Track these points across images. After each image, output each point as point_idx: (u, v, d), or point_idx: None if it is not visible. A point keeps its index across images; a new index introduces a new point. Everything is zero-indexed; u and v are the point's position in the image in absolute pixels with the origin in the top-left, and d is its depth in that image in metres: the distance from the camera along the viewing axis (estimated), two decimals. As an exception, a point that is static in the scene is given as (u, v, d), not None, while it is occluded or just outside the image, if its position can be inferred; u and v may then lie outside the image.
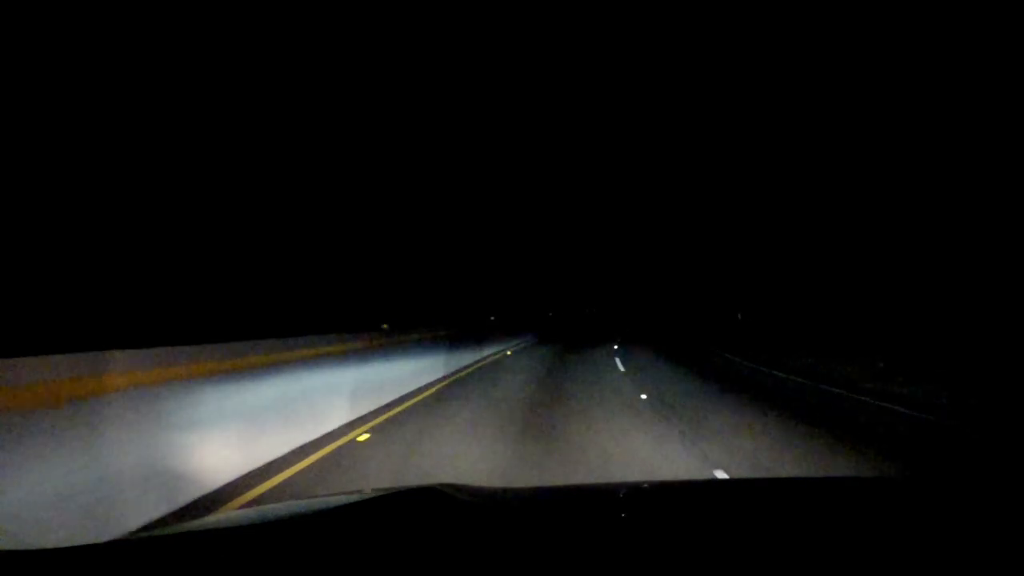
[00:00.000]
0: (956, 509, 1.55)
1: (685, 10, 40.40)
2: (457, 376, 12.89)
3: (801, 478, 4.45)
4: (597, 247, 71.92)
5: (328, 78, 19.38)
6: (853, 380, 12.36)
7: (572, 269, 68.69)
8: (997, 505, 1.58)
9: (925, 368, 12.74)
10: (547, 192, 55.81)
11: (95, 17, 10.86)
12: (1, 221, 8.87)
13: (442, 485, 1.69)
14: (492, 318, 25.13)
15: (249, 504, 4.41)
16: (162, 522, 3.92)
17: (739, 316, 36.01)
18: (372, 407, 8.40)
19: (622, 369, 14.81)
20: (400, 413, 8.30)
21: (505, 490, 1.87)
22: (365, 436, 6.76)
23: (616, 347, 23.47)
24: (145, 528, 3.73)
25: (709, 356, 20.08)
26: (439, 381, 11.83)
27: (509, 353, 19.62)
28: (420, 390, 10.47)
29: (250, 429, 5.58)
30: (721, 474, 5.20)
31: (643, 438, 6.69)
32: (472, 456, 5.84)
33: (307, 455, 5.84)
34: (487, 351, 18.74)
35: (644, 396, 9.92)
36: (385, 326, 11.40)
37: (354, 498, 1.66)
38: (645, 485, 2.55)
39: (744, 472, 5.28)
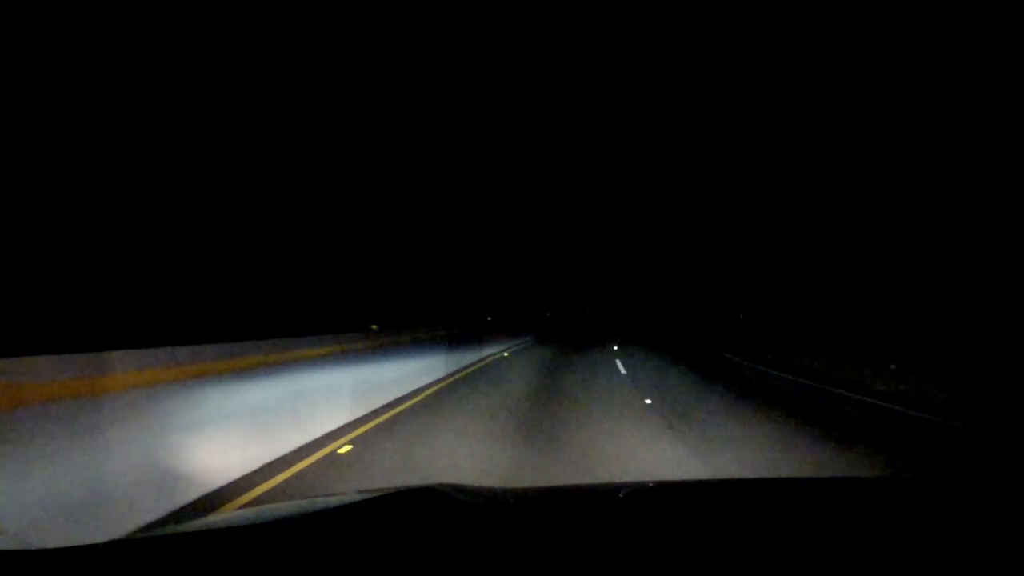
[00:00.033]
0: (957, 509, 1.55)
1: (685, 10, 40.40)
2: (457, 377, 12.88)
3: (801, 478, 4.44)
4: (597, 247, 71.96)
5: (327, 82, 19.38)
6: (868, 385, 11.68)
7: (572, 269, 68.72)
8: (998, 505, 1.58)
9: (942, 371, 12.07)
10: (547, 192, 55.84)
11: (95, 17, 10.85)
12: (2, 221, 8.87)
13: (442, 485, 1.69)
14: (491, 318, 25.14)
15: (251, 503, 4.41)
16: (162, 522, 3.92)
17: (741, 316, 35.78)
18: (373, 407, 8.40)
19: (623, 372, 14.39)
20: (399, 413, 8.30)
21: (505, 490, 1.86)
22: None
23: (616, 348, 23.43)
24: (145, 528, 3.72)
25: (713, 358, 19.76)
26: (439, 381, 11.83)
27: (507, 354, 19.61)
28: (419, 391, 10.46)
29: (250, 429, 5.58)
30: None
31: (653, 451, 6.11)
32: (472, 457, 5.85)
33: (303, 457, 5.84)
34: (487, 351, 18.73)
35: (648, 401, 9.53)
36: (374, 327, 11.21)
37: (354, 498, 1.65)
38: (645, 485, 2.55)
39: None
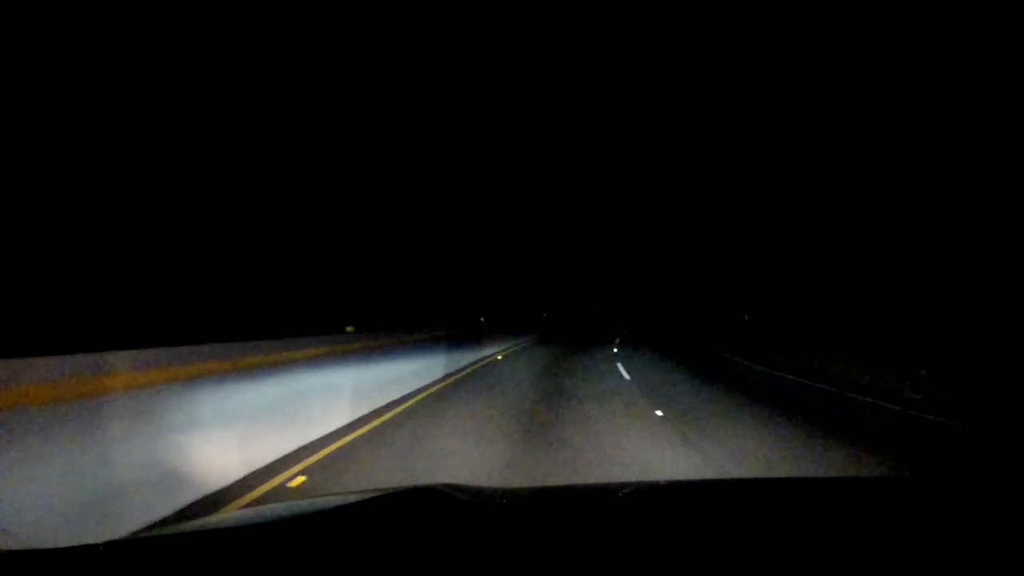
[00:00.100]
0: (957, 509, 1.55)
1: (685, 10, 40.43)
2: (456, 377, 12.88)
3: (801, 478, 4.44)
4: (597, 247, 72.02)
5: (325, 83, 19.38)
6: (898, 391, 11.18)
7: (572, 269, 68.74)
8: (998, 505, 1.58)
9: (961, 375, 11.54)
10: (546, 192, 55.86)
11: (95, 17, 10.86)
12: (2, 222, 8.88)
13: (442, 485, 1.69)
14: (491, 319, 25.14)
15: (254, 502, 4.41)
16: (163, 522, 3.92)
17: (746, 317, 35.39)
18: (373, 407, 8.42)
19: (626, 377, 13.68)
20: (398, 414, 8.32)
21: (505, 490, 1.86)
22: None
23: (616, 350, 23.34)
24: (145, 528, 3.72)
25: (720, 361, 19.37)
26: (438, 381, 11.84)
27: (505, 355, 19.61)
28: (418, 391, 10.47)
29: (250, 429, 5.59)
30: None
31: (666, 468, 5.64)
32: (471, 458, 5.85)
33: (301, 458, 5.85)
34: (486, 351, 18.75)
35: (660, 413, 8.58)
36: (350, 328, 10.76)
37: (354, 498, 1.65)
38: (645, 485, 2.55)
39: None
